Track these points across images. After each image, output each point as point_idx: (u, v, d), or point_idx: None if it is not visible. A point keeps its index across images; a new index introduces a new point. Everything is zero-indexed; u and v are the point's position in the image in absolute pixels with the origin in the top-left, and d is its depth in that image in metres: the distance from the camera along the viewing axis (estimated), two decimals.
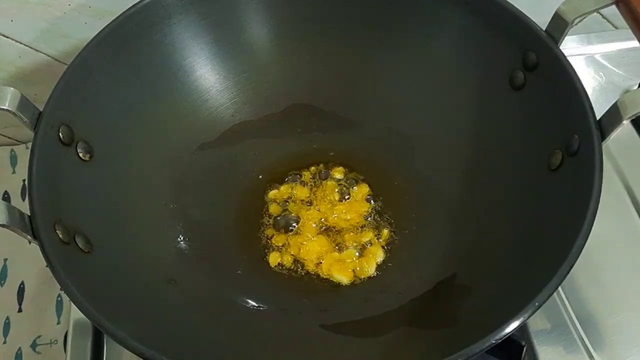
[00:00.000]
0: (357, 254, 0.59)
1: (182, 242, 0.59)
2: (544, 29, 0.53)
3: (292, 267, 0.59)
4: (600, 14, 0.77)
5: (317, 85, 0.67)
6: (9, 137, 0.78)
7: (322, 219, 0.61)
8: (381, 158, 0.65)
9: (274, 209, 0.62)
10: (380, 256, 0.58)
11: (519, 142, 0.57)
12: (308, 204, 0.62)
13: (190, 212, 0.61)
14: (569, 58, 0.52)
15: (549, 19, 0.52)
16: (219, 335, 0.53)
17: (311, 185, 0.63)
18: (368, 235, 0.60)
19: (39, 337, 0.64)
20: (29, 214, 0.47)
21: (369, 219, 0.61)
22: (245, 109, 0.66)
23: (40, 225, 0.46)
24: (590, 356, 0.56)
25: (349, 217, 0.61)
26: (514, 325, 0.41)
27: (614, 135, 0.47)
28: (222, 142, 0.65)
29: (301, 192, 0.63)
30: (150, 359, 0.42)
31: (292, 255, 0.59)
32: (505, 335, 0.41)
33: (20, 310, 0.66)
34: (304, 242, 0.59)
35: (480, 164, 0.61)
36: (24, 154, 0.77)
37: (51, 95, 0.52)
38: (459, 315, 0.51)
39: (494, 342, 0.41)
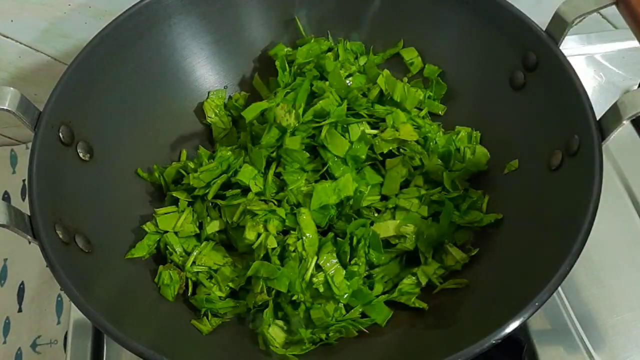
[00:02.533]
0: None
1: None
2: (543, 29, 0.53)
3: None
4: (600, 14, 0.77)
5: None
6: (9, 137, 0.78)
7: None
8: None
9: None
10: None
11: (518, 142, 0.57)
12: None
13: None
14: (569, 58, 0.52)
15: (549, 19, 0.52)
16: (219, 336, 0.54)
17: None
18: None
19: (39, 337, 0.64)
20: (29, 214, 0.47)
21: None
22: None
23: (40, 225, 0.46)
24: (590, 356, 0.56)
25: None
26: (514, 325, 0.41)
27: (614, 135, 0.47)
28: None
29: None
30: (150, 359, 0.42)
31: None
32: (505, 335, 0.41)
33: (20, 310, 0.66)
34: None
35: None
36: (24, 154, 0.77)
37: (51, 96, 0.52)
38: (459, 315, 0.51)
39: (494, 342, 0.41)
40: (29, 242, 0.47)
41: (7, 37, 0.67)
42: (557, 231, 0.47)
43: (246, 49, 0.66)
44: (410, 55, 0.64)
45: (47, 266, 0.45)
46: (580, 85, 0.50)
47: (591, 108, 0.49)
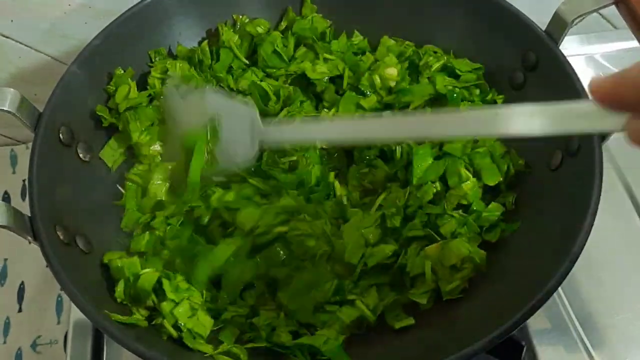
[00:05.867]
0: None
1: None
2: (543, 29, 0.53)
3: None
4: (600, 14, 0.77)
5: None
6: (9, 137, 0.78)
7: None
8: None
9: None
10: None
11: (518, 143, 0.57)
12: None
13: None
14: (568, 58, 0.52)
15: (548, 19, 0.53)
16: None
17: None
18: None
19: (39, 337, 0.64)
20: (29, 215, 0.47)
21: None
22: None
23: (41, 226, 0.46)
24: (590, 356, 0.56)
25: None
26: (513, 325, 0.42)
27: (614, 135, 0.47)
28: None
29: None
30: (151, 359, 0.42)
31: None
32: (504, 336, 0.41)
33: (20, 310, 0.66)
34: None
35: None
36: (24, 154, 0.77)
37: (51, 96, 0.52)
38: (459, 315, 0.51)
39: (494, 342, 0.41)
40: (29, 242, 0.47)
41: (7, 37, 0.67)
42: (557, 231, 0.47)
43: None
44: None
45: (47, 266, 0.45)
46: (580, 85, 0.50)
47: None
